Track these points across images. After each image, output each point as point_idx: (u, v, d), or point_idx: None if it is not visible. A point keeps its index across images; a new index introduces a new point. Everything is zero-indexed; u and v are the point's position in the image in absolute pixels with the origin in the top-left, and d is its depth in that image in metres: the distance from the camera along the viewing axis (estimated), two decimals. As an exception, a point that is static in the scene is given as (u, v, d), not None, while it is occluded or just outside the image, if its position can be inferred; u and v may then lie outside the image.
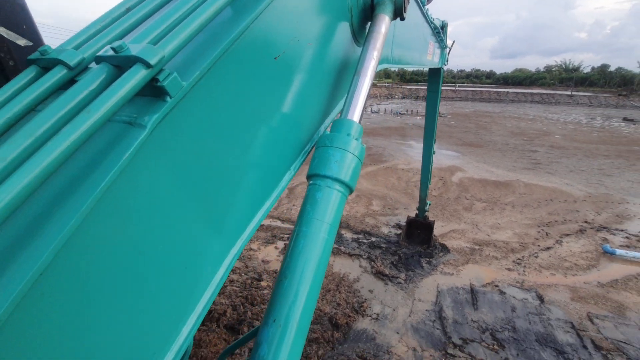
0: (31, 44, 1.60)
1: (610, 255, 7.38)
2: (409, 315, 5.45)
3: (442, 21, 4.94)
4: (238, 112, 1.04)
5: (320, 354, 4.55)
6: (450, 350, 4.72)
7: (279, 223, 8.68)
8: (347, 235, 8.12)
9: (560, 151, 18.14)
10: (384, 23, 1.58)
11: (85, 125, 0.66)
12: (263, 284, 6.08)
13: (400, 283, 6.31)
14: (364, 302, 5.68)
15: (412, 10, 2.86)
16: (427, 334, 5.04)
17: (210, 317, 5.02)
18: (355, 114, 1.38)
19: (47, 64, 0.84)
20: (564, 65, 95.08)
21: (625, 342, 4.99)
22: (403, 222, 8.85)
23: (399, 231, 8.35)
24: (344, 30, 1.59)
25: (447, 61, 5.74)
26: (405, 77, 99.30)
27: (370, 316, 5.38)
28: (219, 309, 5.17)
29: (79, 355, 0.71)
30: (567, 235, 8.35)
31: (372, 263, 6.88)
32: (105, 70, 0.76)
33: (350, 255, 7.23)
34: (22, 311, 0.59)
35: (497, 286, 6.27)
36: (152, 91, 0.78)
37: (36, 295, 0.60)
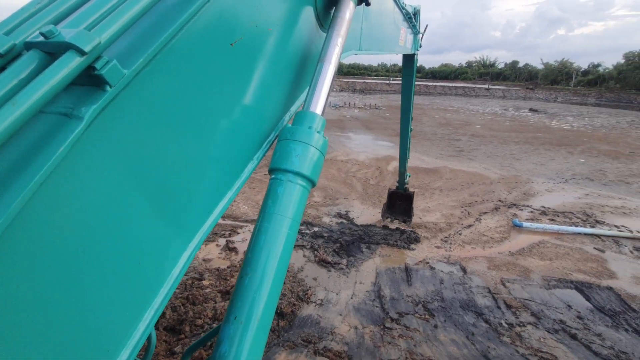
0: None
1: (518, 227, 8.51)
2: (351, 298, 5.76)
3: (414, 7, 4.89)
4: (190, 102, 0.98)
5: (266, 344, 4.62)
6: (387, 324, 5.11)
7: (225, 222, 8.48)
8: (290, 227, 8.22)
9: (480, 139, 20.19)
10: (348, 9, 1.54)
11: (12, 117, 0.61)
12: (205, 282, 5.94)
13: (342, 269, 6.61)
14: (308, 290, 5.87)
15: None
16: (368, 312, 5.39)
17: (149, 322, 4.79)
18: (318, 106, 1.35)
19: None
20: (482, 61, 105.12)
21: (529, 300, 5.85)
22: (343, 211, 9.21)
23: (340, 220, 8.68)
24: (307, 15, 1.52)
25: (420, 46, 5.82)
26: (342, 71, 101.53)
27: (314, 302, 5.58)
28: (158, 312, 4.95)
29: (29, 356, 0.67)
30: (485, 213, 9.42)
31: (315, 252, 7.09)
32: (36, 58, 0.70)
33: (294, 246, 7.35)
34: None
35: (428, 263, 6.89)
36: (91, 80, 0.73)
37: None
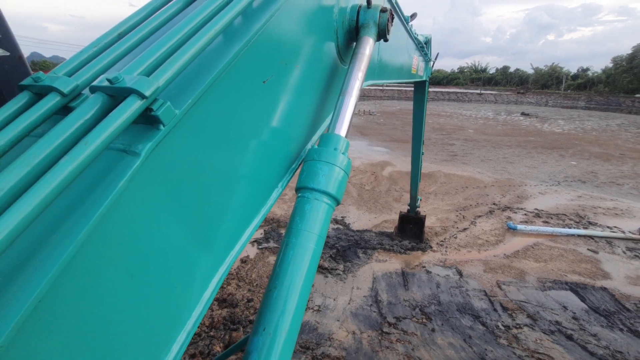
0: (8, 53, 1.51)
1: (513, 230, 8.59)
2: (349, 303, 5.76)
3: (426, 36, 5.16)
4: (227, 134, 1.06)
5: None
6: (385, 329, 5.11)
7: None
8: (287, 233, 8.23)
9: (473, 143, 20.40)
10: (368, 45, 1.62)
11: (83, 155, 0.67)
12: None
13: (339, 274, 6.62)
14: (305, 296, 5.85)
15: (396, 28, 2.89)
16: (365, 318, 5.40)
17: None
18: (342, 129, 1.42)
19: (41, 91, 0.83)
20: (474, 67, 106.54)
21: (525, 302, 5.89)
22: (339, 217, 9.23)
23: (336, 226, 8.70)
24: (330, 51, 1.62)
25: (431, 73, 6.06)
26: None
27: (312, 309, 5.57)
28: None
29: None
30: (480, 216, 9.49)
31: (312, 258, 7.09)
32: (100, 100, 0.77)
33: (290, 253, 7.35)
34: (20, 338, 0.59)
35: (424, 267, 6.92)
36: (146, 119, 0.80)
37: (33, 321, 0.61)
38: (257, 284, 6.20)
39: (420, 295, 6.00)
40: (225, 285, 6.11)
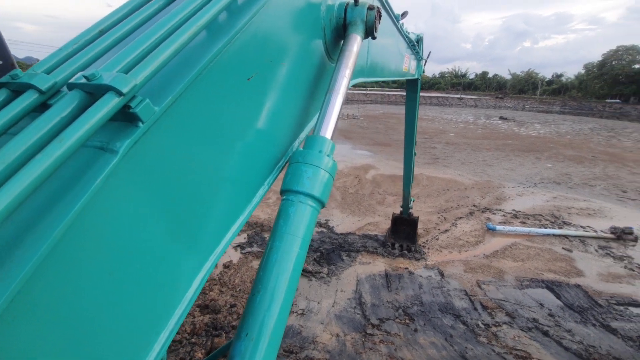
0: (0, 62, 1.50)
1: (492, 231, 8.82)
2: (333, 306, 5.77)
3: (418, 35, 5.18)
4: (210, 132, 1.04)
5: None
6: (369, 331, 5.15)
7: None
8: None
9: (454, 147, 20.87)
10: (355, 42, 1.62)
11: (58, 152, 0.67)
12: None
13: (323, 277, 6.63)
14: (289, 300, 5.83)
15: (386, 26, 2.90)
16: (349, 320, 5.42)
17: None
18: (328, 131, 1.41)
19: (18, 88, 0.82)
20: (454, 72, 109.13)
21: (504, 300, 6.06)
22: (323, 220, 9.26)
23: (320, 229, 8.72)
24: (317, 48, 1.61)
25: (423, 71, 6.06)
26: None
27: (296, 312, 5.56)
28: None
29: None
30: (460, 218, 9.71)
31: (296, 262, 7.08)
32: (77, 97, 0.76)
33: (274, 257, 7.32)
34: None
35: (407, 268, 7.01)
36: (124, 117, 0.79)
37: (7, 321, 0.60)
38: (240, 289, 6.14)
39: (403, 296, 6.08)
40: (207, 291, 6.02)
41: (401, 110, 45.58)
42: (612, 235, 8.64)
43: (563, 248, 8.09)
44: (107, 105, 0.73)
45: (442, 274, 6.83)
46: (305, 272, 6.72)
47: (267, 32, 1.20)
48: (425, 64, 6.09)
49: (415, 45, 4.82)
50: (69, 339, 0.74)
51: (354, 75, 2.04)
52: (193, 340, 4.72)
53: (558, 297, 6.27)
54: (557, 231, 8.87)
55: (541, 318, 5.64)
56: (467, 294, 6.18)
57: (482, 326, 5.36)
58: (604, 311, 5.87)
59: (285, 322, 1.13)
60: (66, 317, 0.72)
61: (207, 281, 6.32)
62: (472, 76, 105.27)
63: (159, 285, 0.95)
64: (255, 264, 7.07)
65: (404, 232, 8.13)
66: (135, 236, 0.85)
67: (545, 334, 5.26)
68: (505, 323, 5.46)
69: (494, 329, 5.32)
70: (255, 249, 7.62)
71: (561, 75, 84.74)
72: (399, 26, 3.51)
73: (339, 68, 1.54)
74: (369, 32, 1.72)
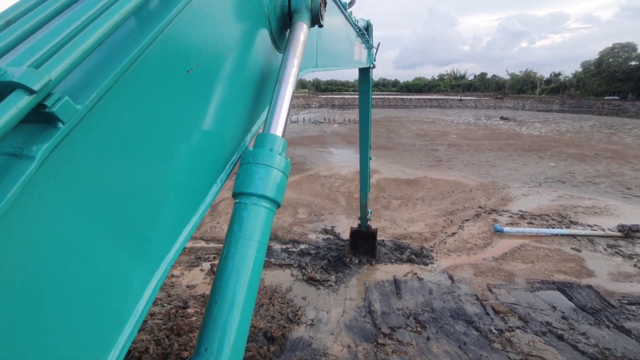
0: None
1: (499, 233, 8.73)
2: (342, 315, 5.69)
3: (367, 21, 5.08)
4: (149, 131, 0.96)
5: (259, 371, 4.48)
6: (380, 340, 5.07)
7: (202, 244, 8.28)
8: (276, 246, 8.13)
9: (456, 148, 20.82)
10: (302, 31, 1.58)
11: None
12: (190, 311, 5.74)
13: (331, 285, 6.55)
14: (298, 311, 5.76)
15: (333, 14, 2.86)
16: (360, 330, 5.34)
17: (131, 358, 4.56)
18: (279, 128, 1.36)
19: None
20: (453, 74, 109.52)
21: (516, 304, 5.96)
22: (329, 226, 9.19)
23: (326, 236, 8.65)
24: (263, 37, 1.55)
25: (375, 59, 5.90)
26: (320, 87, 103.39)
27: (305, 323, 5.48)
28: (139, 347, 4.72)
29: None
30: (467, 220, 9.63)
31: (303, 270, 7.01)
32: None
33: (280, 266, 7.25)
34: None
35: (415, 274, 6.93)
36: (41, 118, 0.69)
37: None
38: (248, 300, 6.06)
39: (413, 303, 5.99)
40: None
41: (402, 113, 45.71)
42: (620, 234, 8.54)
43: (572, 248, 8.00)
44: (15, 105, 0.63)
45: (451, 279, 6.74)
46: (313, 281, 6.65)
47: (205, 20, 1.12)
48: (376, 53, 5.96)
49: (364, 33, 4.74)
50: None
51: (304, 65, 2.00)
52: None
53: (570, 298, 6.17)
54: (564, 231, 8.78)
55: (555, 321, 5.54)
56: (478, 299, 6.09)
57: (496, 332, 5.26)
58: (616, 312, 5.77)
59: (247, 333, 1.07)
60: None
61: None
62: (471, 77, 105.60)
63: (102, 302, 0.87)
64: (262, 273, 6.98)
65: (362, 246, 7.63)
66: (66, 250, 0.77)
67: (560, 337, 5.16)
68: (518, 328, 5.37)
69: (507, 334, 5.22)
70: (261, 258, 7.54)
71: (559, 74, 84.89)
72: (347, 14, 3.47)
73: (286, 58, 1.50)
74: (315, 19, 1.69)
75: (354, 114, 42.85)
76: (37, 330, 0.72)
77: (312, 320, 5.55)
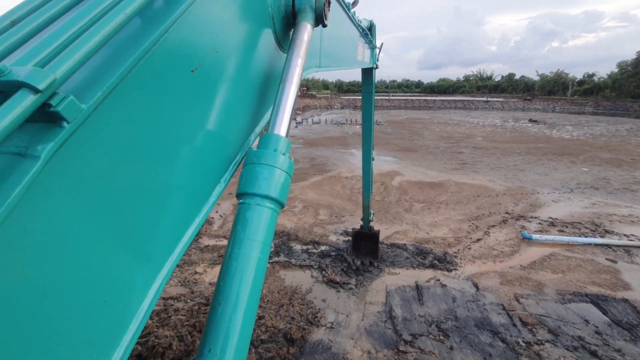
0: None
1: (528, 240, 8.39)
2: (362, 319, 5.62)
3: (370, 21, 5.07)
4: (153, 130, 0.97)
5: (278, 371, 4.49)
6: (401, 347, 4.96)
7: (225, 242, 8.41)
8: (297, 247, 8.15)
9: (482, 151, 20.22)
10: (306, 31, 1.58)
11: None
12: (213, 307, 5.83)
13: (351, 289, 6.49)
14: (317, 313, 5.74)
15: (337, 14, 2.88)
16: (380, 335, 5.25)
17: (155, 353, 4.68)
18: (282, 128, 1.36)
19: None
20: (479, 75, 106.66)
21: (545, 316, 5.70)
22: (350, 228, 9.13)
23: (347, 238, 8.60)
24: (267, 37, 1.56)
25: (377, 60, 5.84)
26: (342, 88, 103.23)
27: (325, 326, 5.45)
28: (163, 342, 4.83)
29: None
30: (493, 226, 9.31)
31: (323, 272, 6.99)
32: None
33: (301, 267, 7.26)
34: None
35: (438, 280, 6.76)
36: (46, 117, 0.70)
37: None
38: (267, 300, 6.10)
39: (436, 310, 5.84)
40: (236, 302, 6.02)
41: (425, 115, 44.91)
42: (661, 245, 8.01)
43: (606, 259, 7.57)
44: (20, 105, 0.63)
45: (476, 287, 6.53)
46: (334, 283, 6.61)
47: (209, 20, 1.12)
48: (379, 53, 5.90)
49: (367, 33, 4.70)
50: None
51: (307, 65, 2.01)
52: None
53: (604, 312, 5.83)
54: (598, 240, 8.33)
55: (587, 336, 5.25)
56: (504, 309, 5.87)
57: (523, 344, 5.04)
58: (657, 329, 5.40)
59: (250, 334, 1.06)
60: None
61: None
62: (498, 78, 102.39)
63: (107, 301, 0.86)
64: (282, 273, 7.04)
65: (365, 248, 7.53)
66: (69, 250, 0.76)
67: (594, 354, 4.88)
68: (548, 341, 5.12)
69: (536, 347, 4.99)
70: (282, 258, 7.59)
71: (593, 74, 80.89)
72: (350, 14, 3.45)
73: (290, 57, 1.49)
74: (319, 19, 1.68)
75: (376, 115, 42.44)
76: (41, 330, 0.72)
77: (332, 323, 5.51)
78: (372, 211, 7.60)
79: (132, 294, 0.95)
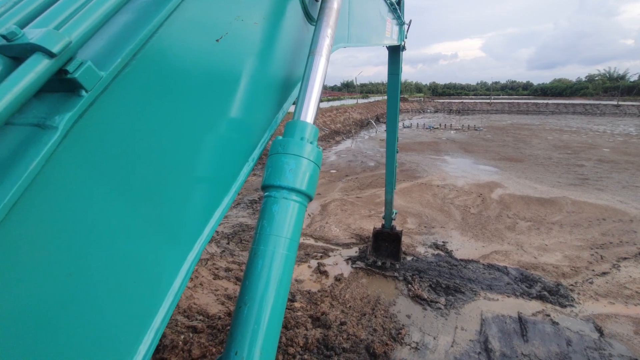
0: None
1: (679, 283, 6.61)
2: (451, 346, 5.11)
3: None
4: (178, 103, 0.91)
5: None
6: (499, 387, 4.34)
7: (311, 241, 8.60)
8: (382, 255, 7.87)
9: (610, 165, 16.85)
10: None
11: None
12: (297, 305, 5.98)
13: (440, 309, 5.98)
14: (401, 329, 5.42)
15: None
16: (473, 367, 4.69)
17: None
18: (309, 114, 1.26)
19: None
20: (607, 74, 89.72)
21: None
22: (440, 241, 8.49)
23: (437, 251, 8.00)
24: (294, 7, 1.49)
25: (406, 37, 5.43)
26: (437, 91, 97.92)
27: (409, 345, 5.11)
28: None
29: None
30: (625, 259, 7.61)
31: (409, 285, 6.60)
32: None
33: (385, 276, 6.98)
34: None
35: (548, 315, 5.77)
36: (64, 86, 0.66)
37: None
38: (350, 306, 6.01)
39: (544, 351, 4.98)
40: (318, 302, 6.08)
41: (534, 120, 39.57)
42: None
43: None
44: (34, 70, 0.58)
45: (600, 331, 5.38)
46: (420, 299, 6.19)
47: None
48: (407, 30, 5.36)
49: (396, 8, 4.34)
50: (32, 356, 0.62)
51: (337, 40, 1.85)
52: (305, 356, 4.74)
53: None
54: None
55: None
56: (641, 366, 4.69)
57: (671, 418, 3.94)
58: None
59: (278, 335, 0.96)
60: (24, 330, 0.60)
61: (319, 291, 6.40)
62: (634, 78, 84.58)
63: (135, 283, 0.82)
64: (365, 280, 6.87)
65: (386, 249, 7.19)
66: (94, 229, 0.71)
67: None
68: None
69: None
70: (365, 264, 7.41)
71: None
72: None
73: (319, 27, 1.40)
74: None
75: (473, 120, 39.12)
76: (66, 312, 0.69)
77: (417, 343, 5.14)
78: (395, 210, 7.31)
79: (162, 275, 0.93)
